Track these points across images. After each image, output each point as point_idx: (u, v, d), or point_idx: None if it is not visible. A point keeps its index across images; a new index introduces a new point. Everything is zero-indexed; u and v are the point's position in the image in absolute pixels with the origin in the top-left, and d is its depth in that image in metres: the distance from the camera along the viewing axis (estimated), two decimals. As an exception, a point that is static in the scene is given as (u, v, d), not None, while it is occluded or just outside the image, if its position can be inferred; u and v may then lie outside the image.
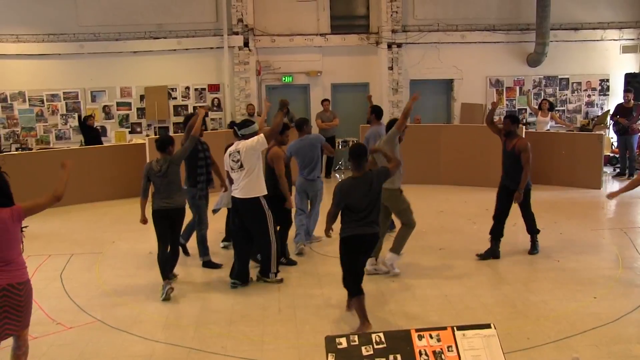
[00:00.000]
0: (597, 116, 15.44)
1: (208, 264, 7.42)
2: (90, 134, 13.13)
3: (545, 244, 8.18)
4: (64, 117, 14.53)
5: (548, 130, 13.26)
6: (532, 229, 7.77)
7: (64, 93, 14.52)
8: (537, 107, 13.83)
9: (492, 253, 7.57)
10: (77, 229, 9.55)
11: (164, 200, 6.54)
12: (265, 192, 6.63)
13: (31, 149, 13.77)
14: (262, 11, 14.81)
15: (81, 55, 14.35)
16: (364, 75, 15.32)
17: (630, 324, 5.50)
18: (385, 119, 8.64)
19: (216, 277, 7.07)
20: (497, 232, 7.64)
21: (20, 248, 4.35)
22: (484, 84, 15.48)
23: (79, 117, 13.68)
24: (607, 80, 15.74)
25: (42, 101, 14.47)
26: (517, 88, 15.40)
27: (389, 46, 14.84)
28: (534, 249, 7.75)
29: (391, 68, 14.91)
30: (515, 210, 10.48)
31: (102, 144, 13.43)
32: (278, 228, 7.26)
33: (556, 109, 15.56)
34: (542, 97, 14.69)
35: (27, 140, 14.36)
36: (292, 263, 7.54)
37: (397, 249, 6.95)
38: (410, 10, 15.05)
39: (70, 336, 5.51)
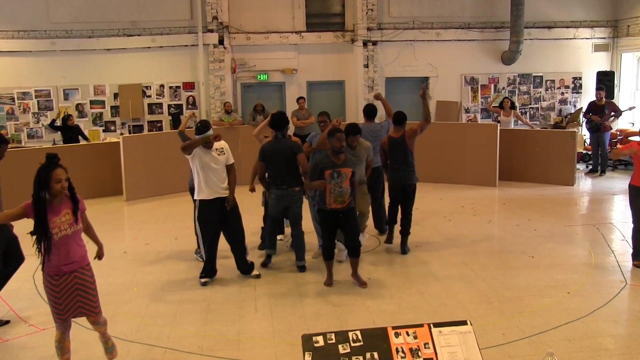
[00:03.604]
0: (570, 114, 15.66)
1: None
2: (71, 134, 12.90)
3: (519, 240, 8.28)
4: (36, 115, 14.29)
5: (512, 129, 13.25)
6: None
7: (35, 91, 14.26)
8: (499, 106, 13.73)
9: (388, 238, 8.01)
10: None
11: None
12: (197, 197, 6.68)
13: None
14: (237, 9, 14.72)
15: (53, 52, 14.11)
16: (339, 73, 15.32)
17: (601, 318, 5.60)
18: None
19: (192, 276, 7.01)
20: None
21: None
22: (459, 82, 15.58)
23: (53, 121, 13.39)
24: (580, 78, 15.97)
25: (12, 99, 14.20)
26: (492, 86, 15.55)
27: (365, 44, 14.86)
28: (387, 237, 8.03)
29: (367, 66, 14.93)
30: (494, 206, 10.63)
31: (86, 140, 13.20)
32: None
33: (530, 106, 15.77)
34: (504, 97, 14.69)
35: (-3, 138, 14.06)
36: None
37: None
38: (385, 8, 15.09)
39: (43, 338, 5.42)
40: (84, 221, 4.65)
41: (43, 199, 4.29)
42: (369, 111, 8.48)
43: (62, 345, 4.55)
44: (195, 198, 6.78)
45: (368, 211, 7.89)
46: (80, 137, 13.07)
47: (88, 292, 4.53)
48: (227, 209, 6.68)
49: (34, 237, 4.34)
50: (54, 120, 13.43)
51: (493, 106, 13.91)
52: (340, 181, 6.31)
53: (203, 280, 6.78)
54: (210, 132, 6.55)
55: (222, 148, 6.73)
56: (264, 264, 7.32)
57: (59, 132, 13.28)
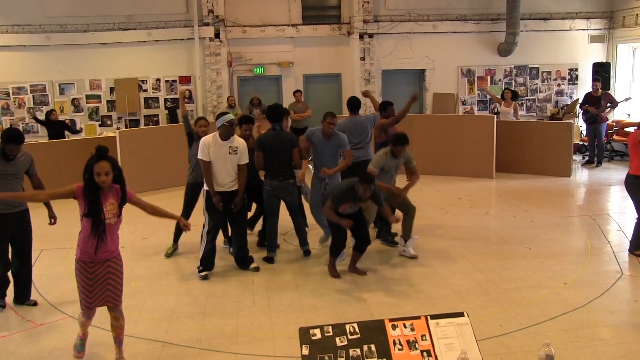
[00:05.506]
0: (567, 105, 15.67)
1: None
2: (55, 130, 12.85)
3: (517, 232, 8.29)
4: (32, 110, 14.24)
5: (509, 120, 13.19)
6: None
7: (30, 86, 14.23)
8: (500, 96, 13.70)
9: None
10: (47, 224, 9.38)
11: None
12: (205, 187, 6.65)
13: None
14: (233, 2, 14.68)
15: (48, 47, 14.05)
16: (336, 66, 15.30)
17: (597, 308, 5.62)
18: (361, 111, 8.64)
19: (190, 270, 7.01)
20: None
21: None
22: (455, 74, 15.57)
23: (35, 118, 13.43)
24: (576, 70, 15.97)
25: (7, 94, 14.16)
26: (489, 78, 15.55)
27: (361, 36, 14.83)
28: None
29: (363, 58, 14.91)
30: (491, 198, 10.64)
31: (73, 133, 13.16)
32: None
33: (527, 97, 15.77)
34: (505, 87, 14.65)
35: (-8, 134, 14.03)
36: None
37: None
38: (381, 0, 15.06)
39: (41, 333, 5.42)
40: (142, 205, 4.74)
41: (94, 186, 4.44)
42: (353, 104, 8.29)
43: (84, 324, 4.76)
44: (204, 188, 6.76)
45: (414, 209, 7.45)
46: (67, 132, 12.98)
47: (117, 281, 4.62)
48: (233, 208, 6.70)
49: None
50: (36, 117, 13.45)
51: (495, 97, 13.88)
52: (356, 205, 6.52)
53: (202, 274, 6.78)
54: (231, 115, 6.67)
55: (237, 147, 6.64)
56: (269, 261, 7.29)
57: (46, 128, 13.17)
